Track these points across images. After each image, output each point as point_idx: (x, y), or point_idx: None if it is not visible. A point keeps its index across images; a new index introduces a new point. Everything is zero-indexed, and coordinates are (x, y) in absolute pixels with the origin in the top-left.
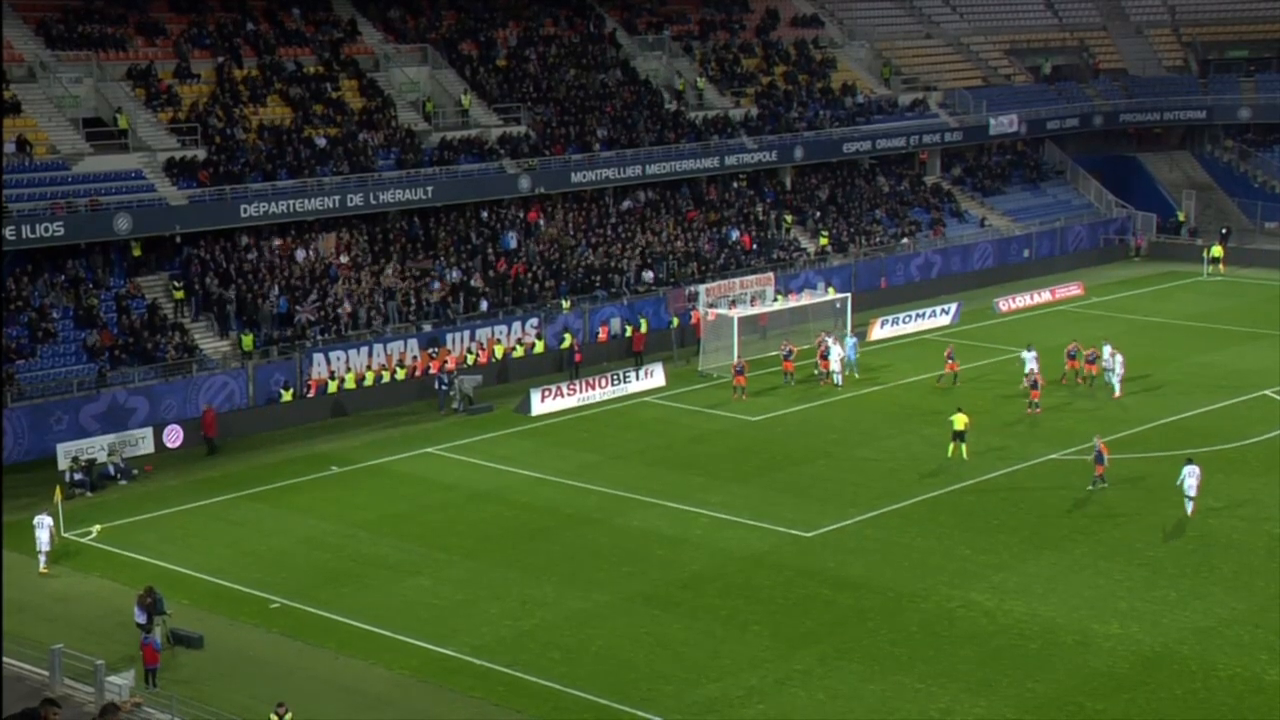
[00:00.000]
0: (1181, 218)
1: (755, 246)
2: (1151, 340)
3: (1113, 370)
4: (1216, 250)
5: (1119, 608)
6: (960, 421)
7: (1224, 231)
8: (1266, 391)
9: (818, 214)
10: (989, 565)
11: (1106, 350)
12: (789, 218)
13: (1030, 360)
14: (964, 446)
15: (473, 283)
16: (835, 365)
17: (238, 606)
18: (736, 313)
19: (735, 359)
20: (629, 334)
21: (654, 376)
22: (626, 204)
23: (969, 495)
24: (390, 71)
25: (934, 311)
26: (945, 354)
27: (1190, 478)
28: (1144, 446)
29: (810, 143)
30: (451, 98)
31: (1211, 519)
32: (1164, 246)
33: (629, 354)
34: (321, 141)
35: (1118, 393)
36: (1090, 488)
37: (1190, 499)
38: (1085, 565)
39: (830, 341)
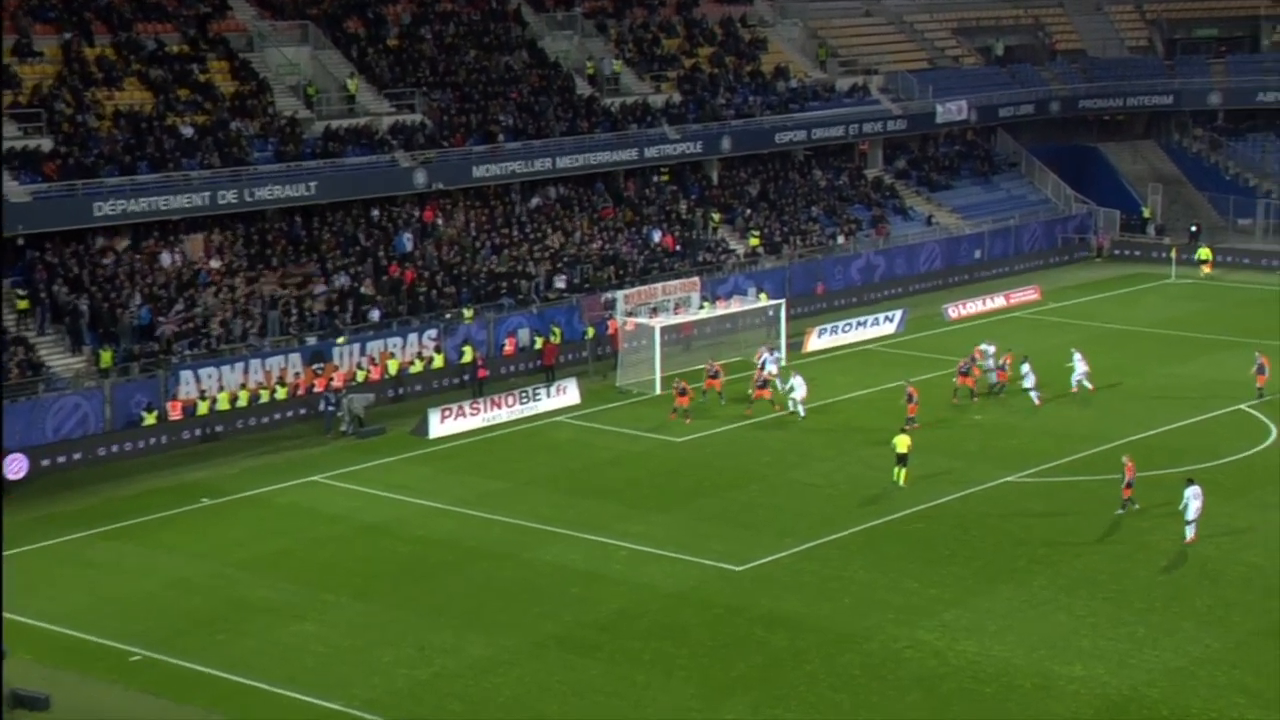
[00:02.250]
0: (1147, 214)
1: (679, 248)
2: (1115, 349)
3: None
4: (1204, 252)
5: (1082, 646)
6: (902, 444)
7: (1193, 229)
8: (1241, 406)
9: (748, 212)
10: (938, 600)
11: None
12: (716, 216)
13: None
14: (903, 472)
15: (363, 290)
16: (799, 393)
17: (92, 661)
18: (658, 322)
19: (677, 378)
20: (539, 346)
21: (567, 393)
22: (535, 201)
23: (916, 523)
24: (266, 51)
25: (877, 319)
26: (906, 395)
27: (1194, 500)
28: (1107, 467)
29: (739, 132)
30: (336, 81)
31: (1182, 546)
32: (1128, 246)
33: (539, 368)
34: (188, 131)
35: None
36: (1120, 511)
37: (1190, 523)
38: (1044, 599)
39: (769, 361)
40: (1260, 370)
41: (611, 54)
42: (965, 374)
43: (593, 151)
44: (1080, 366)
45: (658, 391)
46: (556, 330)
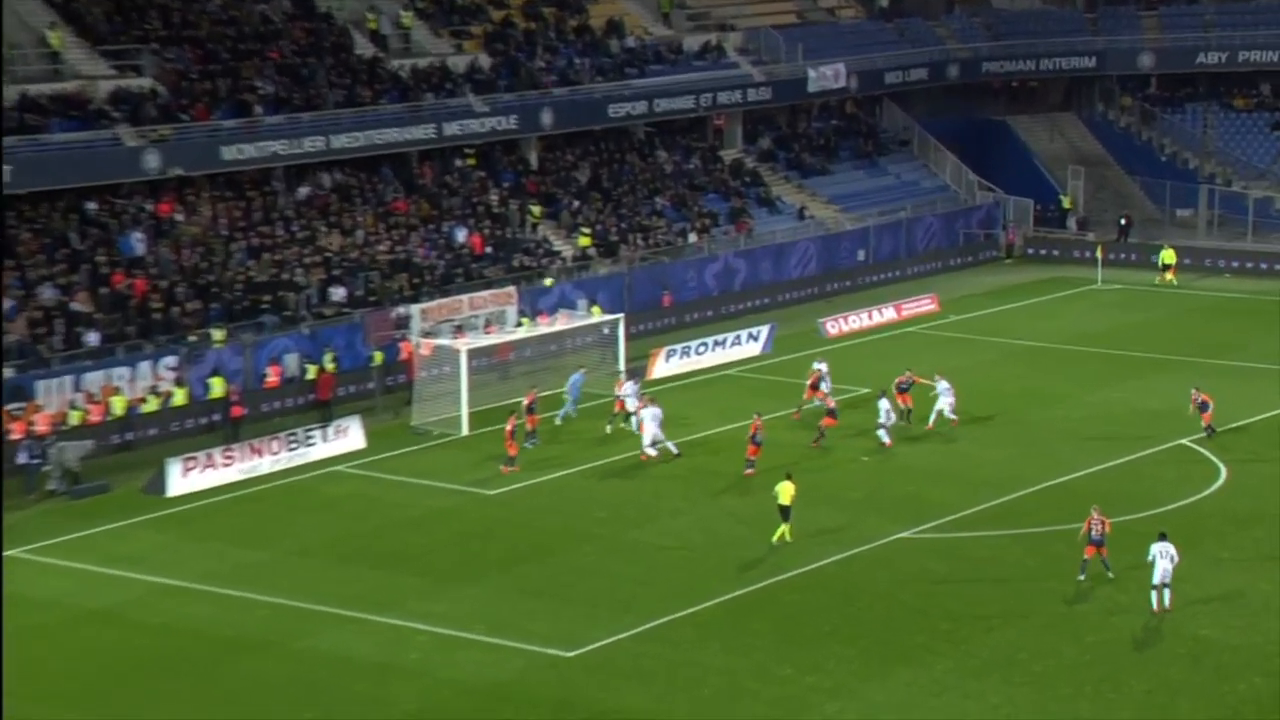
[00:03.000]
0: (1067, 204)
1: (489, 250)
2: (1030, 371)
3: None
4: (1168, 255)
5: None
6: (786, 493)
7: (1123, 221)
8: (1183, 440)
9: (575, 204)
10: (818, 690)
11: (943, 384)
12: (536, 209)
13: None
14: (787, 529)
15: (76, 305)
16: (651, 429)
17: None
18: (464, 343)
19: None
20: (311, 376)
21: (348, 435)
22: (304, 191)
23: (791, 593)
24: None
25: (738, 337)
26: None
27: (1163, 559)
28: (1021, 519)
29: (563, 104)
30: (33, 34)
31: (1116, 616)
32: (1044, 244)
33: (312, 404)
34: None
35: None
36: (1080, 577)
37: (1161, 588)
38: (949, 685)
39: (632, 393)
40: (1202, 407)
41: (400, 3)
42: (904, 391)
43: (378, 128)
44: (946, 398)
45: (464, 432)
46: (333, 355)
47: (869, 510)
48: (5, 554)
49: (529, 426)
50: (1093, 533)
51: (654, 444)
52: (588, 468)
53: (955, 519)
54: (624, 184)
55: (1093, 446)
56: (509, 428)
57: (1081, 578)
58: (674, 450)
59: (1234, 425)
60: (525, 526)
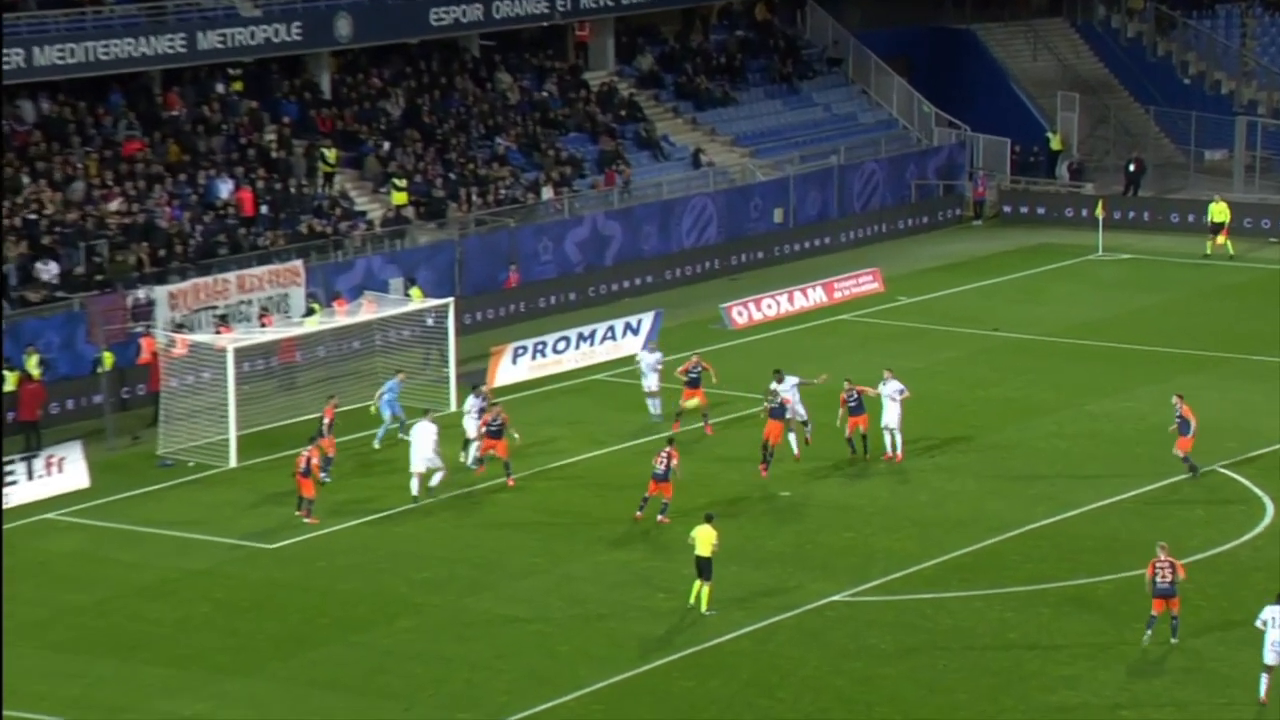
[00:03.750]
0: (1056, 144)
1: (266, 210)
2: (1007, 373)
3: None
4: (1218, 210)
5: None
6: (706, 541)
7: (1131, 167)
8: (1216, 466)
9: (385, 147)
10: None
11: (891, 387)
12: (330, 154)
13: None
14: (705, 589)
15: None
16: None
17: None
18: (232, 339)
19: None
20: (10, 387)
21: (65, 470)
22: None
23: (686, 678)
24: None
25: (611, 330)
26: (662, 459)
27: (1276, 628)
28: (998, 574)
29: (366, 7)
30: None
31: (1125, 713)
32: (1026, 199)
33: (13, 426)
34: None
35: (896, 452)
36: (1146, 635)
37: (1271, 669)
38: None
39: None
40: (1182, 426)
41: None
42: (857, 411)
43: (103, 38)
44: (892, 406)
45: (232, 463)
46: (36, 359)
47: (792, 564)
48: None
49: (329, 453)
50: (1158, 580)
51: (427, 467)
52: (406, 510)
53: (909, 575)
54: (452, 119)
55: (1093, 475)
56: (305, 460)
57: (1147, 636)
58: (437, 480)
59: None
60: (318, 593)
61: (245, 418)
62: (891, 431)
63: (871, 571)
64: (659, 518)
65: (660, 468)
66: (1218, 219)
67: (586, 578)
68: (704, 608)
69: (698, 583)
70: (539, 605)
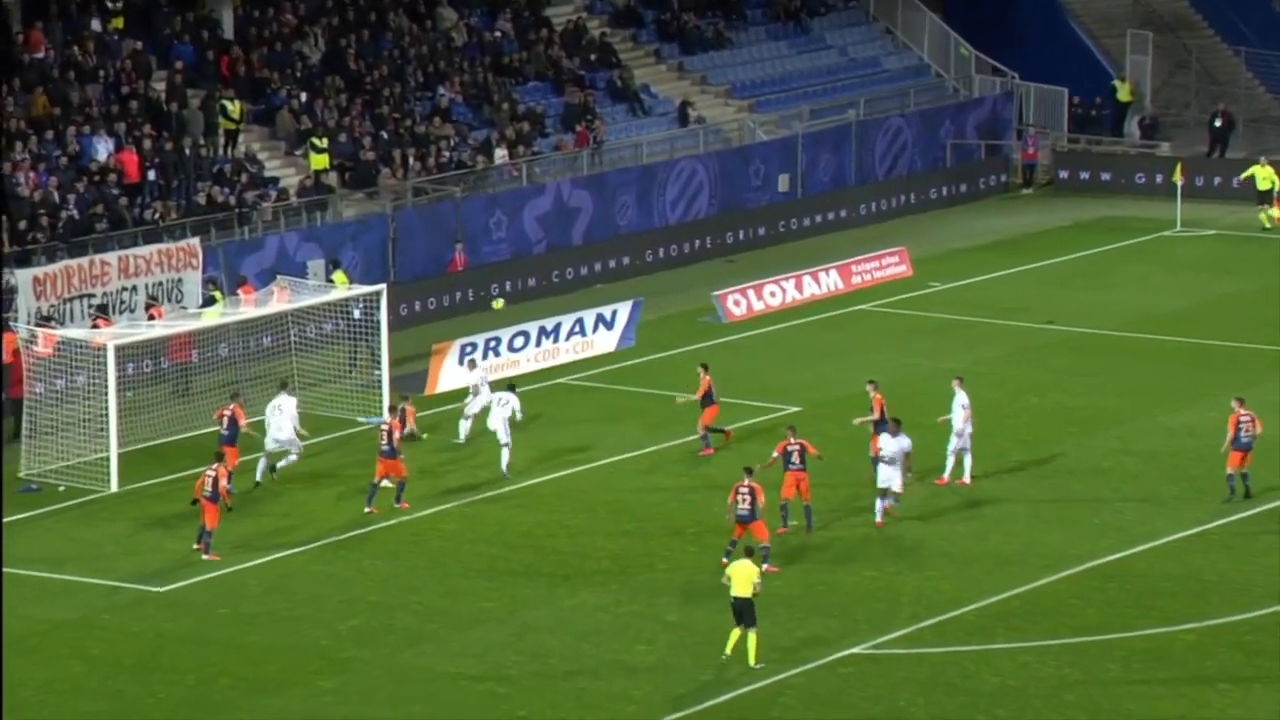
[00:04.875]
0: (1124, 94)
1: (154, 176)
2: (1063, 376)
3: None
4: (1264, 174)
5: None
6: (744, 580)
7: (1217, 122)
8: None
9: (302, 98)
10: None
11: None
12: (233, 106)
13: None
14: (751, 637)
15: None
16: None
17: None
18: (112, 335)
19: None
20: None
21: None
22: None
23: None
24: None
25: (579, 324)
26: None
27: None
28: (1054, 621)
29: None
30: None
31: None
32: (1086, 162)
33: None
34: None
35: (965, 476)
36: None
37: None
38: None
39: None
40: (1237, 440)
41: None
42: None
43: None
44: (962, 424)
45: (113, 486)
46: None
47: (801, 609)
48: None
49: (230, 467)
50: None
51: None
52: (328, 543)
53: (944, 622)
54: (384, 65)
55: (1169, 501)
56: (211, 479)
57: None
58: (288, 461)
59: None
60: (219, 647)
61: (129, 431)
62: (961, 453)
63: (898, 618)
64: (765, 566)
65: (745, 507)
66: (1263, 184)
67: (549, 627)
68: (751, 660)
69: (736, 630)
70: (492, 660)
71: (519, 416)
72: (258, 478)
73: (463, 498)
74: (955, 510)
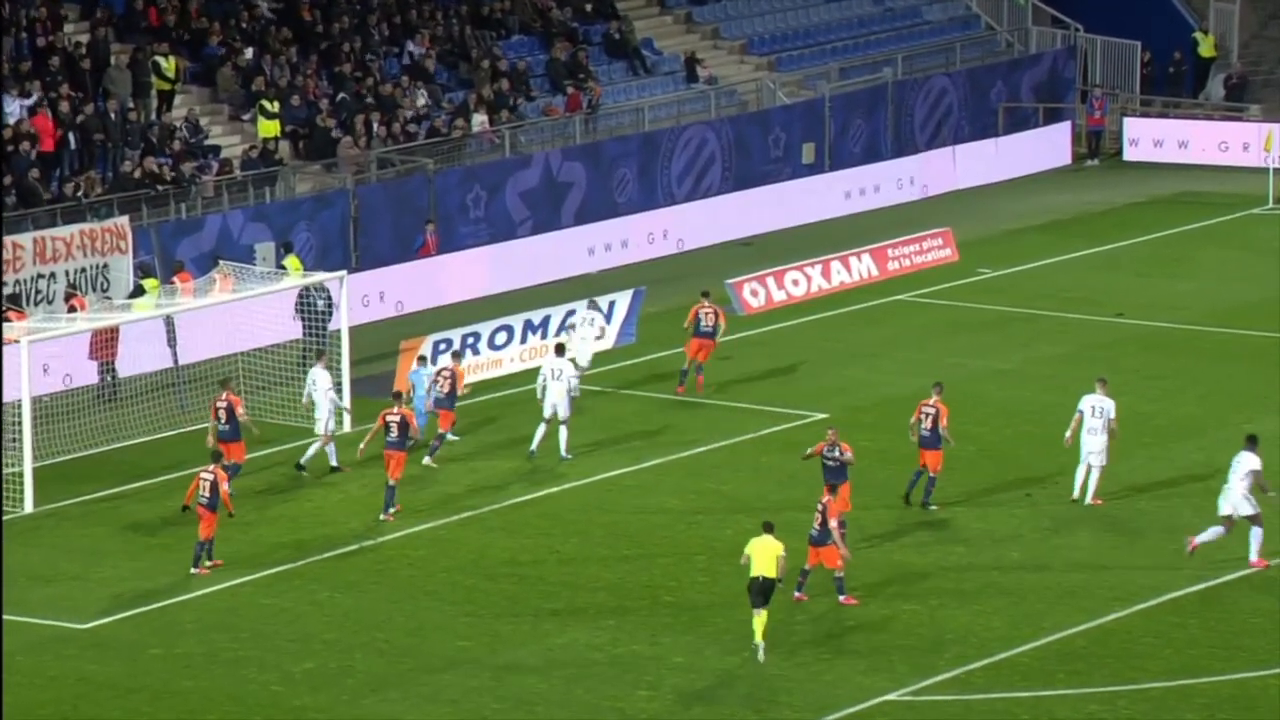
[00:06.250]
0: (1206, 49)
1: (75, 145)
2: (1134, 378)
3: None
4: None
5: None
6: (768, 557)
7: None
8: None
9: (249, 54)
10: None
11: (1093, 403)
12: (167, 63)
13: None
14: (764, 612)
15: None
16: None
17: None
18: (26, 329)
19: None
20: None
21: None
22: None
23: None
24: None
25: (571, 315)
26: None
27: None
28: (1120, 664)
29: None
30: None
31: None
32: (1160, 127)
33: None
34: None
35: (1090, 496)
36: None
37: None
38: None
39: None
40: None
41: None
42: (931, 444)
43: None
44: (1097, 431)
45: (28, 507)
46: None
47: (829, 649)
48: None
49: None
50: None
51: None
52: (278, 572)
53: (995, 664)
54: (345, 16)
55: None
56: (208, 484)
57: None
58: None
59: None
60: (150, 694)
61: (47, 442)
62: (1093, 468)
63: (941, 660)
64: (841, 599)
65: (815, 528)
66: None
67: (536, 668)
68: (758, 637)
69: (760, 614)
70: (469, 708)
71: (576, 392)
72: (332, 463)
73: (435, 519)
74: (1005, 534)
